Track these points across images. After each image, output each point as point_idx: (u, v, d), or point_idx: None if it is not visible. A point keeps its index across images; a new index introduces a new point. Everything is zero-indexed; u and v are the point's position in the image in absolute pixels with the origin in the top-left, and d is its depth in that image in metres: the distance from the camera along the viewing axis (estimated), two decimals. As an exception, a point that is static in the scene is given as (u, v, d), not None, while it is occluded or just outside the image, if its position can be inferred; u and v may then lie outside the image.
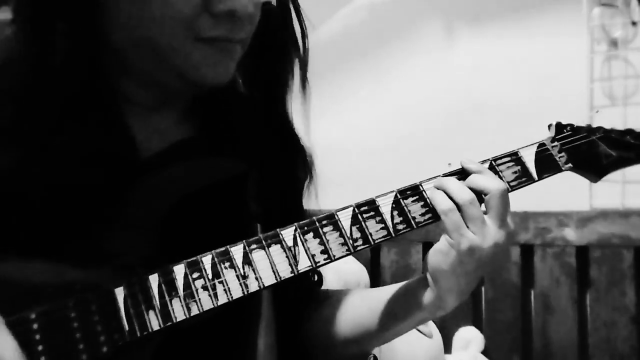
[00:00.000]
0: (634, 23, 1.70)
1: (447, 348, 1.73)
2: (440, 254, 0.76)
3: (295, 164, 0.93)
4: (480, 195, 0.76)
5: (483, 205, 0.76)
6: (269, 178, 0.86)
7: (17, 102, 0.74)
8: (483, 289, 1.83)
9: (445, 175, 0.79)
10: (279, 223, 0.75)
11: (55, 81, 0.74)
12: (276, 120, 0.90)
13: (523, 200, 1.81)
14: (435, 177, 0.79)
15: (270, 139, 0.89)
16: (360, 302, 0.88)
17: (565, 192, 1.72)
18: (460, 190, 0.75)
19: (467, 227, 0.74)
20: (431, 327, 1.64)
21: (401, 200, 0.77)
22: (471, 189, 0.76)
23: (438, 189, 0.77)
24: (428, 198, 0.77)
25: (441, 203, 0.75)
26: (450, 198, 0.75)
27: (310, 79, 2.38)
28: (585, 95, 1.73)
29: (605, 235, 1.68)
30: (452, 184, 0.76)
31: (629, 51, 1.71)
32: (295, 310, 0.92)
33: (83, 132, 0.75)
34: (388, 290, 0.85)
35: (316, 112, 2.40)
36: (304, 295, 0.93)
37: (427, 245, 1.90)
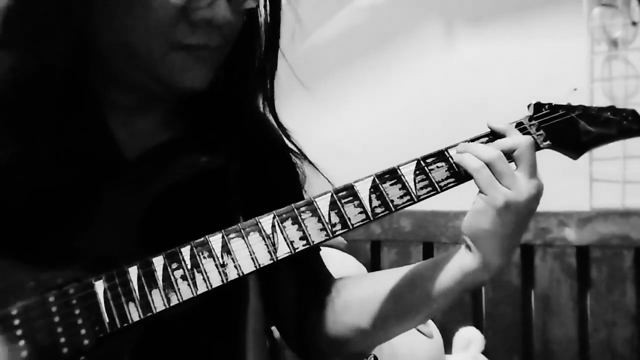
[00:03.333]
0: (634, 23, 1.70)
1: (448, 348, 1.73)
2: (478, 214, 0.76)
3: (277, 157, 0.93)
4: (509, 155, 0.77)
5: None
6: (251, 172, 0.86)
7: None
8: (483, 289, 1.83)
9: (471, 139, 0.80)
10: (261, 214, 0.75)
11: (40, 85, 0.74)
12: (253, 119, 0.91)
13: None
14: (412, 160, 0.79)
15: (251, 136, 0.89)
16: (402, 280, 0.85)
17: (566, 193, 1.73)
18: (487, 149, 0.76)
19: (500, 182, 0.75)
20: (431, 327, 1.64)
21: (379, 184, 0.77)
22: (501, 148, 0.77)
23: (463, 152, 0.78)
24: (406, 181, 0.77)
25: (471, 162, 0.76)
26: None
27: (311, 79, 2.38)
28: (585, 95, 1.73)
29: (606, 235, 1.68)
30: (476, 146, 0.77)
31: (629, 51, 1.71)
32: (314, 298, 0.90)
33: (65, 135, 0.76)
34: (428, 264, 0.83)
35: (317, 112, 2.41)
36: (319, 283, 0.92)
37: (427, 246, 1.90)
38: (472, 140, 0.80)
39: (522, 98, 1.92)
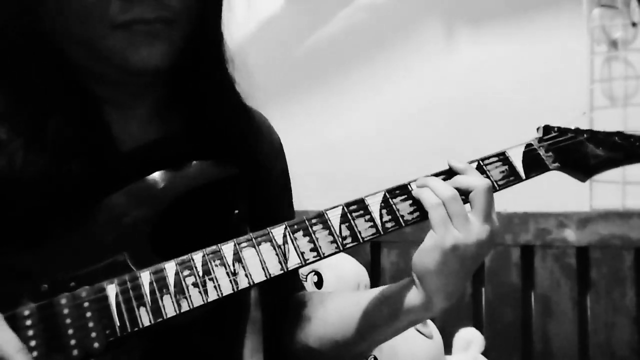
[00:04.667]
0: (634, 24, 1.70)
1: (448, 349, 1.72)
2: (425, 253, 0.76)
3: (273, 162, 0.94)
4: (466, 194, 0.77)
5: (469, 205, 0.77)
6: (250, 177, 0.86)
7: None
8: (483, 290, 1.83)
9: (432, 175, 0.80)
10: (267, 224, 0.76)
11: (33, 84, 0.75)
12: (238, 110, 0.89)
13: (523, 201, 1.81)
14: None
15: (246, 133, 0.89)
16: (349, 304, 0.88)
17: (566, 193, 1.72)
18: (443, 187, 0.76)
19: (452, 223, 0.74)
20: (431, 328, 1.64)
21: (390, 199, 0.78)
22: (457, 189, 0.77)
23: (422, 187, 0.78)
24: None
25: (429, 198, 0.76)
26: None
27: (311, 79, 2.37)
28: (585, 96, 1.73)
29: (606, 236, 1.68)
30: (435, 182, 0.77)
31: (629, 52, 1.71)
32: (278, 314, 0.92)
33: (65, 133, 0.76)
34: (377, 293, 0.85)
35: (317, 112, 2.40)
36: (285, 298, 0.94)
37: (427, 246, 1.90)
38: (433, 175, 0.80)
39: (522, 99, 1.93)
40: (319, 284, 1.61)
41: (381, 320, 0.82)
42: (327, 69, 2.09)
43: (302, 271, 1.61)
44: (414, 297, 0.78)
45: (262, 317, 0.88)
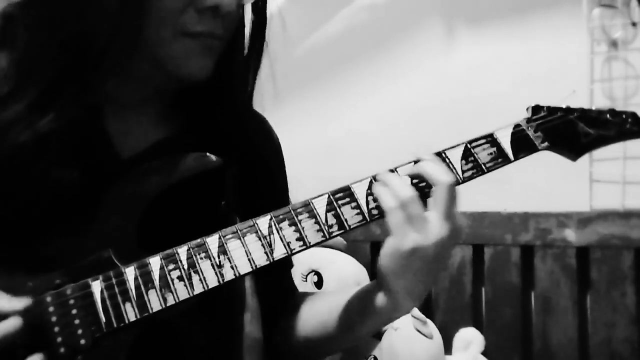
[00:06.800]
0: (634, 24, 1.70)
1: (448, 349, 1.73)
2: (387, 257, 0.75)
3: (270, 158, 0.95)
4: (429, 189, 0.75)
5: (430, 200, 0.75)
6: (247, 172, 0.87)
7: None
8: (483, 290, 1.83)
9: (397, 168, 0.78)
10: (258, 215, 0.75)
11: (43, 84, 0.74)
12: (245, 115, 0.91)
13: (523, 201, 1.81)
14: (409, 163, 0.78)
15: (246, 134, 0.90)
16: (322, 306, 0.89)
17: (566, 193, 1.72)
18: (402, 188, 0.74)
19: (410, 225, 0.73)
20: (431, 328, 1.64)
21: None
22: (420, 179, 0.75)
23: (383, 185, 0.76)
24: None
25: (387, 201, 0.74)
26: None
27: (311, 79, 2.36)
28: (585, 96, 1.73)
29: (606, 236, 1.68)
30: (394, 180, 0.75)
31: (629, 52, 1.71)
32: (274, 312, 0.93)
33: (64, 135, 0.75)
34: (348, 296, 0.84)
35: (317, 112, 2.40)
36: (282, 298, 0.94)
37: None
38: (398, 168, 0.78)
39: (522, 98, 1.91)
40: (318, 283, 1.61)
41: (351, 322, 0.82)
42: (327, 69, 2.09)
43: (302, 271, 1.61)
44: (380, 299, 0.78)
45: (260, 306, 0.89)
